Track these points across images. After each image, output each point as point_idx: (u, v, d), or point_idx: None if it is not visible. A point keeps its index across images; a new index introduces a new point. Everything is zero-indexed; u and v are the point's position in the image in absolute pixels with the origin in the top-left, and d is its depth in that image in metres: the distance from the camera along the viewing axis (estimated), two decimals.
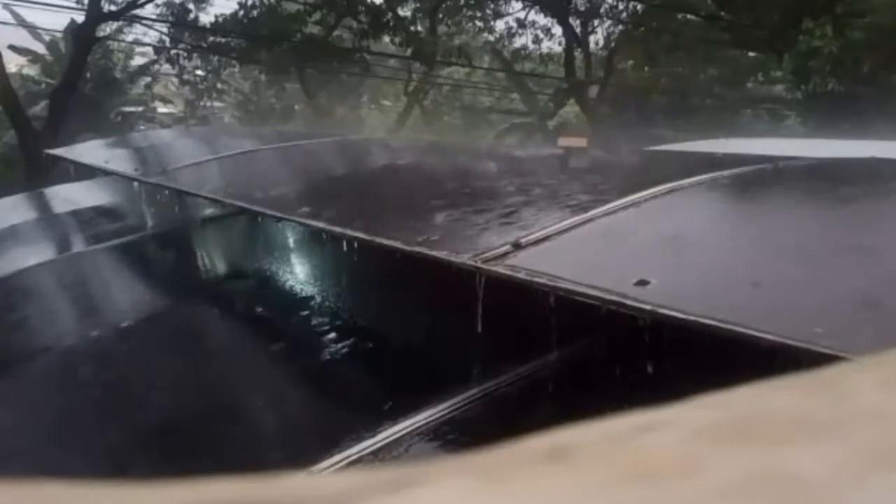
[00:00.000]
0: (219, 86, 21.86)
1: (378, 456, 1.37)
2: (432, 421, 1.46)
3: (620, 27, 18.80)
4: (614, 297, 1.16)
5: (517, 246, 1.45)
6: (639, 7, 17.41)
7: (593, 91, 19.28)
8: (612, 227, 1.61)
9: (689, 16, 17.00)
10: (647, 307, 1.11)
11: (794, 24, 12.59)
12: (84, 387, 1.94)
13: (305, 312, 2.32)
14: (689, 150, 4.48)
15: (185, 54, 16.65)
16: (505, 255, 1.43)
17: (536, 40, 19.35)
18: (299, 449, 1.56)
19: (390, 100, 25.98)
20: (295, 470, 1.29)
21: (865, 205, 1.84)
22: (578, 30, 18.88)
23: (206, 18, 15.62)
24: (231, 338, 2.27)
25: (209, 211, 3.29)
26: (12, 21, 16.45)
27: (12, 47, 16.70)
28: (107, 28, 16.27)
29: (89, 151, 4.71)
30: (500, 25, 19.61)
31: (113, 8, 13.67)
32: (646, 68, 18.96)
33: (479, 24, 19.67)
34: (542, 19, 18.96)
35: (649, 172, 2.71)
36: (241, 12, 14.51)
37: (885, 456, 0.21)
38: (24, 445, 1.60)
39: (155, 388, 1.86)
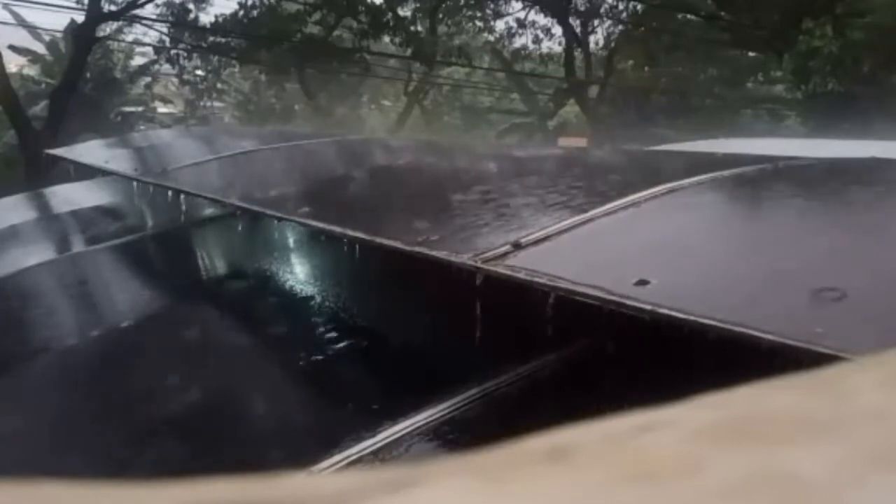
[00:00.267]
0: (219, 86, 21.88)
1: (378, 456, 1.37)
2: (432, 421, 1.47)
3: (620, 27, 18.82)
4: (614, 297, 1.16)
5: (517, 246, 1.45)
6: (639, 7, 17.42)
7: (593, 91, 19.30)
8: (612, 227, 1.61)
9: (689, 16, 17.01)
10: (647, 307, 1.11)
11: (794, 24, 12.60)
12: (84, 387, 1.94)
13: (305, 312, 2.32)
14: (689, 150, 4.48)
15: (185, 54, 16.67)
16: (505, 255, 1.43)
17: (536, 40, 19.39)
18: (299, 449, 1.56)
19: (390, 100, 26.00)
20: (295, 470, 1.29)
21: (866, 205, 1.84)
22: (578, 30, 18.89)
23: (206, 18, 15.65)
24: (231, 338, 2.27)
25: (209, 211, 3.29)
26: (12, 21, 16.46)
27: (12, 47, 16.70)
28: (107, 28, 16.28)
29: (89, 151, 4.71)
30: (500, 25, 19.64)
31: (113, 8, 13.68)
32: (646, 68, 18.97)
33: (479, 24, 19.69)
34: (542, 19, 19.00)
35: (649, 172, 2.71)
36: (241, 12, 14.52)
37: (885, 456, 0.21)
38: (24, 445, 1.60)
39: (154, 388, 1.86)
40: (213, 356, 2.10)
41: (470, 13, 19.03)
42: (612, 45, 19.03)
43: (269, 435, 1.66)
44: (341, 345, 1.99)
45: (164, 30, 15.74)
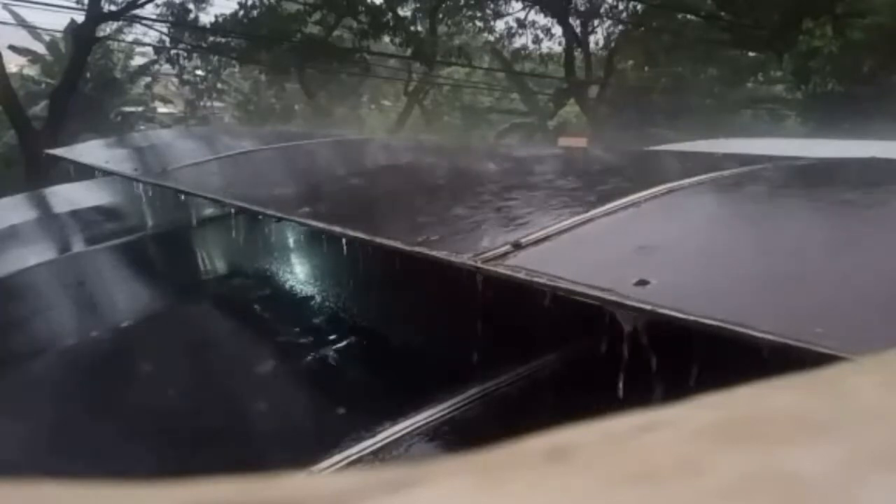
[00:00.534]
0: (219, 86, 21.88)
1: (378, 456, 1.37)
2: (432, 421, 1.47)
3: (620, 27, 18.81)
4: (614, 297, 1.16)
5: (517, 246, 1.45)
6: (639, 7, 17.42)
7: (593, 91, 19.30)
8: (612, 227, 1.61)
9: (689, 16, 17.01)
10: (647, 307, 1.11)
11: (794, 24, 12.60)
12: (84, 387, 1.94)
13: (305, 312, 2.32)
14: (689, 150, 4.48)
15: (185, 54, 16.67)
16: (505, 255, 1.43)
17: (536, 40, 19.39)
18: (299, 449, 1.56)
19: (390, 100, 25.99)
20: (295, 470, 1.29)
21: (866, 205, 1.84)
22: (578, 30, 18.89)
23: (206, 18, 15.65)
24: (231, 338, 2.27)
25: (209, 211, 3.29)
26: (12, 21, 16.46)
27: (12, 47, 16.71)
28: (107, 28, 16.28)
29: (89, 151, 4.71)
30: (500, 25, 19.64)
31: (113, 8, 13.67)
32: (646, 68, 18.97)
33: (479, 24, 19.68)
34: (542, 19, 18.99)
35: (649, 172, 2.71)
36: (241, 12, 14.52)
37: (885, 456, 0.21)
38: (24, 445, 1.60)
39: (155, 387, 1.86)
40: (213, 356, 2.10)
41: (470, 13, 19.03)
42: (612, 45, 19.03)
43: (269, 435, 1.66)
44: (341, 345, 1.99)
45: (164, 30, 15.75)
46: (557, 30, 18.54)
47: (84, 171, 4.20)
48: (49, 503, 0.22)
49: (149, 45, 17.01)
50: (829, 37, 11.67)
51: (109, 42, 17.14)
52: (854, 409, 0.24)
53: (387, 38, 15.92)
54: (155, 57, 17.82)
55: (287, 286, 2.67)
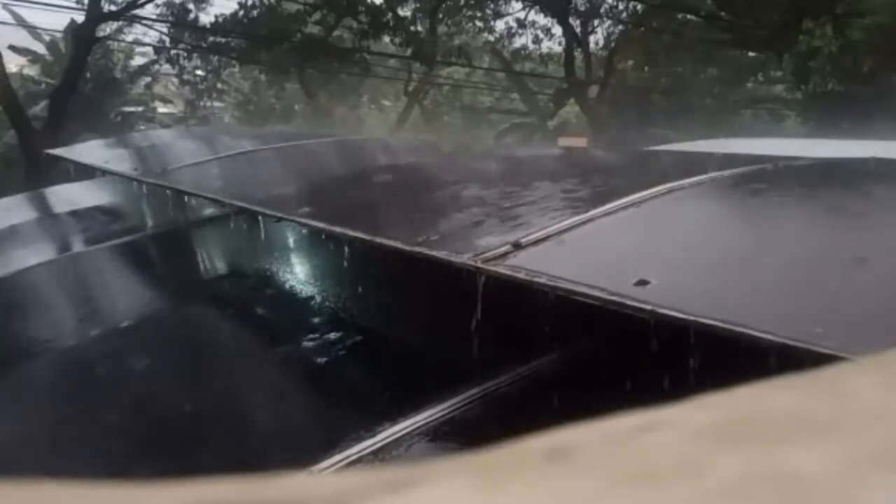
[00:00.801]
0: (219, 86, 21.86)
1: (378, 456, 1.37)
2: (432, 421, 1.47)
3: (620, 27, 18.80)
4: (614, 297, 1.16)
5: (517, 246, 1.45)
6: (639, 7, 17.41)
7: (593, 91, 19.28)
8: (612, 227, 1.61)
9: (689, 16, 17.00)
10: (647, 307, 1.11)
11: (794, 24, 12.59)
12: (84, 386, 1.94)
13: (305, 312, 2.32)
14: (689, 150, 4.48)
15: (185, 54, 16.66)
16: (505, 255, 1.43)
17: (536, 40, 19.37)
18: (299, 449, 1.56)
19: (390, 100, 25.98)
20: (295, 470, 1.29)
21: (865, 205, 1.84)
22: (578, 30, 18.88)
23: (206, 18, 15.63)
24: (231, 338, 2.27)
25: (209, 211, 3.29)
26: (12, 21, 16.46)
27: (12, 47, 16.70)
28: (107, 28, 16.27)
29: (89, 151, 4.70)
30: (500, 25, 19.62)
31: (113, 8, 13.67)
32: (646, 68, 18.96)
33: (479, 24, 19.66)
34: (542, 19, 18.97)
35: (649, 172, 2.71)
36: (241, 12, 14.51)
37: (885, 456, 0.21)
38: (24, 445, 1.60)
39: (155, 388, 1.86)
40: (213, 356, 2.10)
41: (470, 13, 19.02)
42: (612, 45, 19.02)
43: (270, 435, 1.66)
44: (341, 345, 1.99)
45: (164, 30, 15.74)
46: (557, 30, 18.54)
47: (84, 171, 4.20)
48: (49, 503, 0.22)
49: (149, 45, 17.02)
50: (829, 37, 11.67)
51: (109, 42, 17.13)
52: (854, 409, 0.24)
53: (387, 38, 15.92)
54: (155, 57, 17.81)
55: (287, 286, 2.67)
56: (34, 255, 3.12)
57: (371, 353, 1.98)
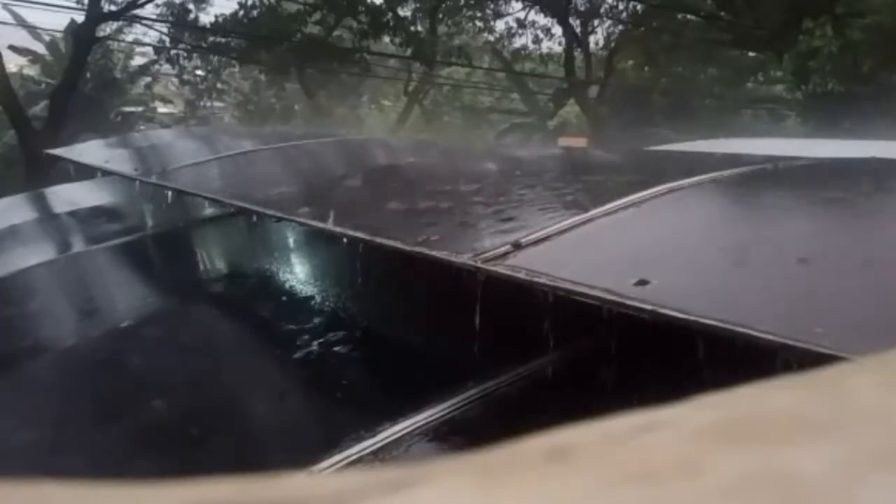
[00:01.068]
0: (219, 86, 21.86)
1: (378, 456, 1.37)
2: (432, 421, 1.47)
3: (620, 27, 18.80)
4: (614, 297, 1.16)
5: (517, 246, 1.45)
6: (639, 7, 17.41)
7: (593, 91, 19.28)
8: (612, 227, 1.61)
9: (689, 16, 17.00)
10: (647, 307, 1.11)
11: (794, 24, 12.59)
12: (84, 387, 1.94)
13: (305, 312, 2.32)
14: (689, 150, 4.48)
15: (185, 54, 16.66)
16: (505, 255, 1.43)
17: (536, 40, 19.37)
18: (299, 449, 1.56)
19: (390, 100, 25.98)
20: (295, 470, 1.29)
21: (865, 205, 1.84)
22: (578, 30, 18.87)
23: (206, 18, 15.63)
24: (231, 338, 2.27)
25: (209, 211, 3.29)
26: (12, 21, 16.46)
27: (12, 47, 16.70)
28: (107, 28, 16.27)
29: (89, 151, 4.70)
30: (500, 25, 19.62)
31: (113, 8, 13.67)
32: (646, 68, 18.95)
33: (479, 24, 19.66)
34: (542, 19, 18.97)
35: (649, 172, 2.71)
36: (241, 12, 14.50)
37: (885, 456, 0.21)
38: (24, 445, 1.60)
39: (155, 388, 1.86)
40: (213, 356, 2.10)
41: (470, 13, 19.02)
42: (612, 45, 19.02)
43: (270, 435, 1.66)
44: (341, 345, 1.99)
45: (164, 30, 15.74)
46: (557, 30, 18.54)
47: (84, 171, 4.20)
48: (49, 503, 0.22)
49: (149, 45, 17.01)
50: (829, 37, 11.66)
51: (109, 42, 17.13)
52: (854, 409, 0.24)
53: (387, 38, 15.91)
54: (155, 57, 17.81)
55: (287, 286, 2.67)
56: (34, 255, 3.12)
57: (371, 353, 1.98)
